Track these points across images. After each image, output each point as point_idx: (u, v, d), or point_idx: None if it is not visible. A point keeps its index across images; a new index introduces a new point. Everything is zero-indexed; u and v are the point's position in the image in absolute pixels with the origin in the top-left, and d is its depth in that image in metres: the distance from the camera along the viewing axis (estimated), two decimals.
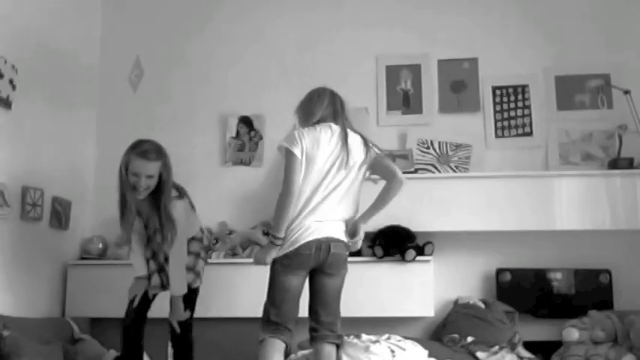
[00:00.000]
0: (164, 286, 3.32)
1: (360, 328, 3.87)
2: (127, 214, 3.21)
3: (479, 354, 3.62)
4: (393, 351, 3.32)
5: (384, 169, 3.05)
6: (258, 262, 2.93)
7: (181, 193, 3.28)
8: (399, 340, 3.44)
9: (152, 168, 3.11)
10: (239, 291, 3.91)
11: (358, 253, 3.99)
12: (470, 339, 3.69)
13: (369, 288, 3.85)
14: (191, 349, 3.41)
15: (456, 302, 4.00)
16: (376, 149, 3.06)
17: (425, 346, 3.54)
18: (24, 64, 3.68)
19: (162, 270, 3.33)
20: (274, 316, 2.93)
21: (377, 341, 3.38)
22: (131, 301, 3.32)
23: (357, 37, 4.42)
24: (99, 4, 4.64)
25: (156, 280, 3.32)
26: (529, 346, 3.80)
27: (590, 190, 3.86)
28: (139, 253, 3.35)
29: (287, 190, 2.90)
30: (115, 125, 4.49)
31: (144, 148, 3.13)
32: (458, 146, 4.23)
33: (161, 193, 3.15)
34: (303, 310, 3.93)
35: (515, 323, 3.84)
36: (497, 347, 3.67)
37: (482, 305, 3.90)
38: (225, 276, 3.89)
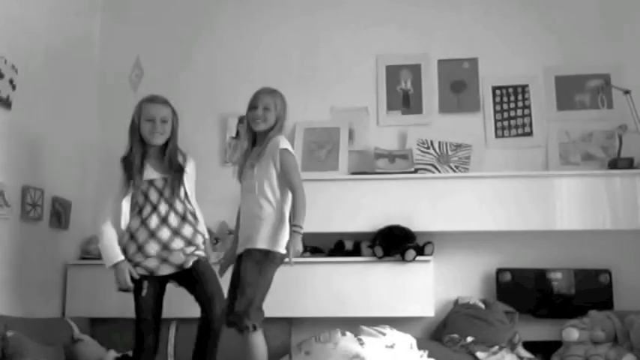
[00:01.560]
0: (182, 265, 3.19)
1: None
2: (134, 176, 3.23)
3: (479, 354, 3.62)
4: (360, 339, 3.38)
5: None
6: (298, 253, 3.09)
7: None
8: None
9: (164, 111, 3.26)
10: None
11: (358, 253, 4.00)
12: (469, 339, 3.69)
13: (369, 288, 3.85)
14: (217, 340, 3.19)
15: (456, 302, 4.00)
16: None
17: (425, 346, 3.54)
18: (24, 64, 3.68)
19: (166, 247, 3.17)
20: (261, 306, 3.08)
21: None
22: (137, 290, 3.16)
23: (357, 37, 4.42)
24: (99, 4, 4.64)
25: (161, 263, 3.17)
26: (529, 346, 3.80)
27: (590, 190, 3.85)
28: (113, 235, 3.19)
29: (303, 189, 3.12)
30: (116, 125, 4.47)
31: (152, 96, 3.32)
32: (458, 146, 4.23)
33: (171, 142, 3.30)
34: (302, 310, 3.95)
35: (516, 323, 3.83)
36: (497, 347, 3.66)
37: (482, 305, 3.89)
38: (225, 276, 3.89)
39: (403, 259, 3.82)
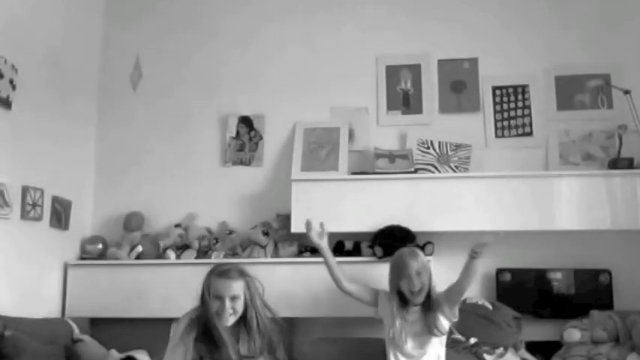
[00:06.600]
0: None
1: (359, 328, 3.88)
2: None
3: (486, 356, 3.59)
4: None
5: None
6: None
7: None
8: None
9: (236, 287, 2.85)
10: None
11: (358, 253, 4.00)
12: (473, 340, 3.67)
13: None
14: None
15: (464, 301, 3.99)
16: None
17: None
18: (24, 64, 3.68)
19: None
20: None
21: None
22: None
23: (357, 38, 4.42)
24: (100, 4, 4.64)
25: None
26: (529, 346, 3.79)
27: (590, 190, 3.85)
28: None
29: None
30: (116, 125, 4.50)
31: (223, 268, 2.93)
32: (458, 146, 4.23)
33: (247, 316, 2.87)
34: (302, 310, 3.94)
35: (521, 329, 3.82)
36: (501, 349, 3.65)
37: (490, 306, 3.88)
38: None
39: None
